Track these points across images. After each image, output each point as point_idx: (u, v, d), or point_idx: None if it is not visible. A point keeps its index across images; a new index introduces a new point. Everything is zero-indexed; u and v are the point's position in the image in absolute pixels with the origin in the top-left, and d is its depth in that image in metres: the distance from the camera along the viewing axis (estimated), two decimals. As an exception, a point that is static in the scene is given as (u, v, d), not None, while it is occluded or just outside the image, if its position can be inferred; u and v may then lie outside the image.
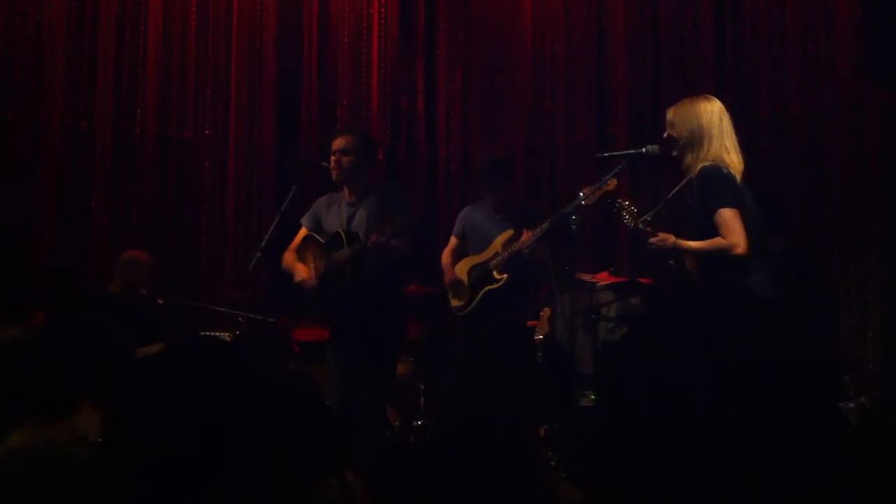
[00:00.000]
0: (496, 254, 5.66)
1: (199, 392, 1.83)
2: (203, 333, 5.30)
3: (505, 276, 5.58)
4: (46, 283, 6.65)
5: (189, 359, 1.88)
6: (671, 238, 4.22)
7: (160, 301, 5.33)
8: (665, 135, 4.39)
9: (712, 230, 4.14)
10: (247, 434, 1.86)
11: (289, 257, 5.31)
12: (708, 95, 4.41)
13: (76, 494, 2.08)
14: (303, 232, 5.37)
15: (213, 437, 1.76)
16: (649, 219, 4.26)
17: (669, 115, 4.37)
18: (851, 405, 5.17)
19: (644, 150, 4.56)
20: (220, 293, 6.57)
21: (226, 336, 5.28)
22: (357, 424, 4.88)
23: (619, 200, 4.39)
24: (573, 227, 4.77)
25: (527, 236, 5.42)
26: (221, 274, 7.02)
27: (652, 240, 4.22)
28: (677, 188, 4.26)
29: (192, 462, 1.75)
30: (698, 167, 4.20)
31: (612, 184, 4.83)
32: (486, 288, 5.63)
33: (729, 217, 4.11)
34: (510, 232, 5.65)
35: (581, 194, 4.81)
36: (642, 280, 5.84)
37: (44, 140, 6.82)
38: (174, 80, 7.21)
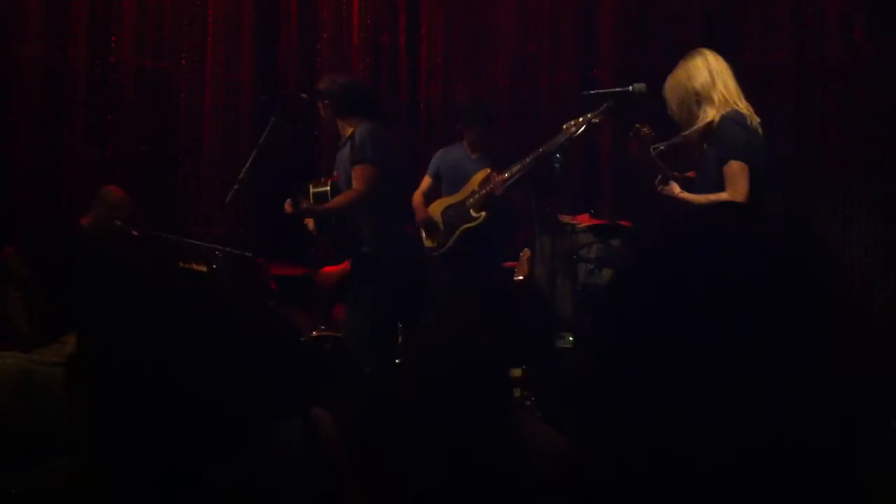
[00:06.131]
0: (473, 192, 5.62)
1: (168, 320, 1.81)
2: (179, 265, 5.25)
3: (483, 213, 5.55)
4: (21, 216, 6.56)
5: (162, 288, 1.86)
6: (676, 188, 4.20)
7: (135, 233, 5.28)
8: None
9: (722, 181, 4.11)
10: (216, 368, 1.83)
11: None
12: (692, 52, 4.31)
13: (58, 402, 2.24)
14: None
15: (176, 367, 1.75)
16: (662, 148, 4.21)
17: (665, 94, 4.33)
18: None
19: (631, 88, 4.50)
20: (197, 226, 6.51)
21: (202, 267, 5.24)
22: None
23: (637, 126, 4.30)
24: (556, 166, 4.71)
25: (499, 178, 5.38)
26: (198, 207, 6.93)
27: (661, 188, 4.21)
28: (695, 127, 4.18)
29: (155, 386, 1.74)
30: (718, 117, 4.14)
31: (600, 119, 4.77)
32: (464, 227, 5.60)
33: (737, 169, 4.06)
34: (486, 171, 5.60)
35: (563, 128, 4.73)
36: (622, 222, 5.80)
37: (17, 72, 6.67)
38: (150, 8, 7.04)
